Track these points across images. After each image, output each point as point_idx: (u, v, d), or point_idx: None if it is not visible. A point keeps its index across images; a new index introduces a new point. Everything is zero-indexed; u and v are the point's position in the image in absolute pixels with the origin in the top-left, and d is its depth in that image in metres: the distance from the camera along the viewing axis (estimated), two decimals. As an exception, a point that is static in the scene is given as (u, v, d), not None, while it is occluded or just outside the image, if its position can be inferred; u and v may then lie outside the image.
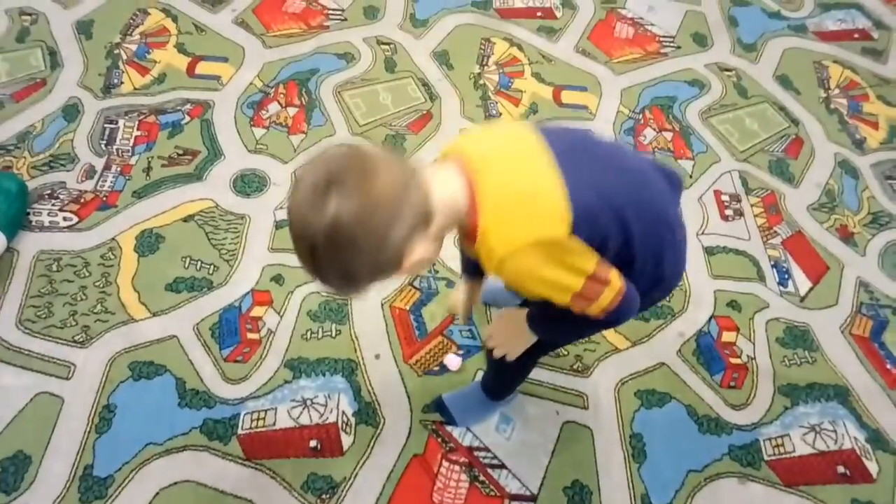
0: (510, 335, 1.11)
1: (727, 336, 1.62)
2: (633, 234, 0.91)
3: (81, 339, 1.46)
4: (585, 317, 0.93)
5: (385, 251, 0.78)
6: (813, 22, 2.38)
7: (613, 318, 0.94)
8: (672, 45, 2.24)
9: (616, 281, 0.90)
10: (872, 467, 1.47)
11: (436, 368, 1.50)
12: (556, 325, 1.04)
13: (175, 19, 2.10)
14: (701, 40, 2.27)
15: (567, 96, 2.05)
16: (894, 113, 2.13)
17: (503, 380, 1.36)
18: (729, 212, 1.85)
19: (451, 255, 1.64)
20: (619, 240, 0.91)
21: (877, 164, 2.00)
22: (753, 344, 1.61)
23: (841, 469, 1.47)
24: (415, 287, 1.61)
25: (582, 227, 0.85)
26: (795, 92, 2.15)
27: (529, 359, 1.24)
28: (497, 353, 1.14)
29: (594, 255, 0.88)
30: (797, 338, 1.64)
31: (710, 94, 2.11)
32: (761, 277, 1.73)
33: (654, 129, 1.99)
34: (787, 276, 1.74)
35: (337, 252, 0.76)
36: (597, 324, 0.96)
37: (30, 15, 2.05)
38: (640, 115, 2.02)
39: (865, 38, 2.35)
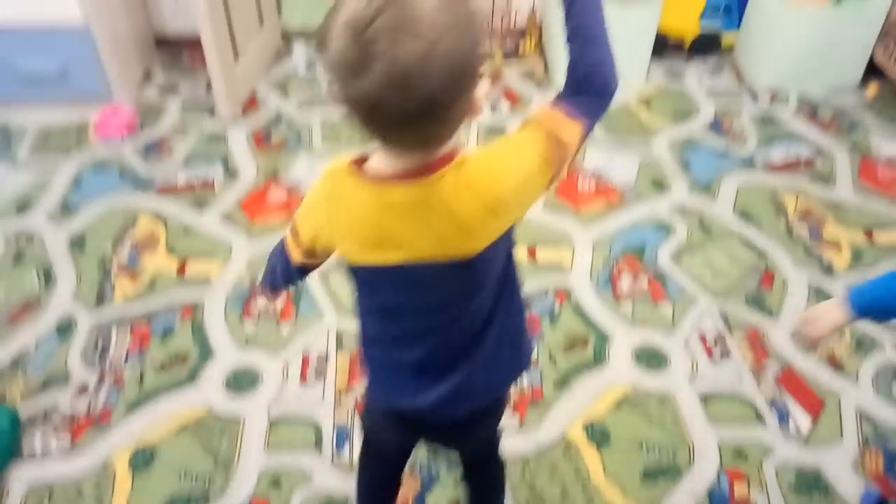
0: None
1: (739, 489, 1.58)
2: None
3: (74, 580, 1.40)
4: None
5: (481, 43, 0.73)
6: (760, 156, 2.55)
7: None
8: (633, 193, 2.38)
9: None
10: None
11: (446, 565, 1.44)
12: None
13: (164, 223, 2.22)
14: (659, 186, 2.41)
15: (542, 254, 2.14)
16: (853, 235, 2.23)
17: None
18: (716, 353, 1.87)
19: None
20: None
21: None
22: (767, 495, 1.57)
23: None
24: (414, 476, 1.58)
25: None
26: (757, 225, 2.26)
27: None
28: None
29: None
30: (810, 483, 1.60)
31: (677, 237, 2.21)
32: (760, 418, 1.72)
33: (631, 277, 2.07)
34: (785, 415, 1.73)
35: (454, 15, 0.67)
36: None
37: (26, 236, 2.16)
38: (614, 266, 2.11)
39: (811, 166, 2.51)
